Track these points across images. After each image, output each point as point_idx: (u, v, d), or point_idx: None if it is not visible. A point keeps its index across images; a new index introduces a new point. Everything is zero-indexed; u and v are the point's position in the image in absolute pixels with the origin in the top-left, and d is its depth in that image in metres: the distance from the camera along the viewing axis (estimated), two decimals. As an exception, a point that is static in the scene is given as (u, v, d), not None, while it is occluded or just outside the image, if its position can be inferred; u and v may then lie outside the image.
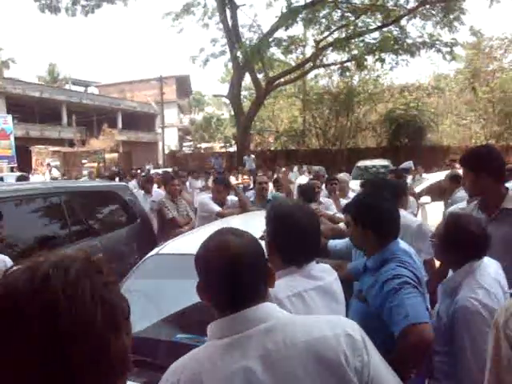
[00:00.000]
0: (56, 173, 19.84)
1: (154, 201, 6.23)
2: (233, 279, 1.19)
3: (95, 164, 23.44)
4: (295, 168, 16.46)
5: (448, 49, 19.36)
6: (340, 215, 3.93)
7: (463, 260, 2.15)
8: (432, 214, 6.79)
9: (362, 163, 16.88)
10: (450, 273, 2.33)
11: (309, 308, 1.60)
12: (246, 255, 1.22)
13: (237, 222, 4.03)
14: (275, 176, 11.58)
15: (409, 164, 15.91)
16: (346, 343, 1.15)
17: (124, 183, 7.19)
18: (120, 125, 35.82)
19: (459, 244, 2.14)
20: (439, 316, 2.19)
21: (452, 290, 2.14)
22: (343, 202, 5.42)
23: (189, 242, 3.06)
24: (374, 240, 2.09)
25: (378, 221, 2.09)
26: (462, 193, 5.16)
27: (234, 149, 27.91)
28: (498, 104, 24.87)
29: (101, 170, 20.74)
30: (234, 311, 1.18)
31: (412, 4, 19.03)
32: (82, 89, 41.42)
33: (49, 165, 21.17)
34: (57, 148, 25.20)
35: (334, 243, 2.98)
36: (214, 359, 1.14)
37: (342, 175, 7.35)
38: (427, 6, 19.05)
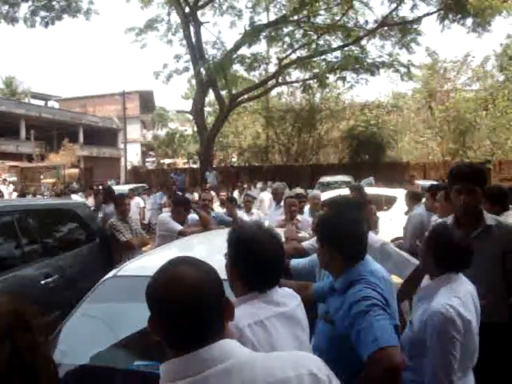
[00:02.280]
0: (11, 189, 19.12)
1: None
2: (187, 314, 1.09)
3: (53, 180, 22.76)
4: (259, 184, 16.51)
5: (405, 69, 20.07)
6: (303, 234, 3.92)
7: (444, 269, 2.22)
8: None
9: (324, 179, 17.07)
10: (424, 281, 2.39)
11: (271, 336, 1.54)
12: (202, 289, 1.12)
13: (198, 241, 3.95)
14: (236, 193, 11.56)
15: (369, 180, 16.27)
16: None
17: (83, 200, 6.94)
18: (81, 140, 35.06)
19: (445, 254, 2.20)
20: (412, 323, 2.24)
21: (428, 297, 2.20)
22: (304, 218, 5.45)
23: (148, 264, 2.96)
24: (340, 262, 2.06)
25: (344, 243, 2.05)
26: (419, 209, 5.35)
27: (197, 165, 27.77)
28: (453, 122, 25.83)
29: (58, 186, 20.16)
30: (189, 350, 1.08)
31: (371, 25, 19.69)
32: (41, 103, 40.41)
33: (5, 180, 20.39)
34: (14, 163, 24.35)
35: (297, 262, 2.95)
36: None
37: (315, 192, 7.42)
38: (385, 28, 19.73)
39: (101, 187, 16.46)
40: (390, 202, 9.48)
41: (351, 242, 2.07)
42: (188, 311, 1.09)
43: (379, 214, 5.59)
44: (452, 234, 2.25)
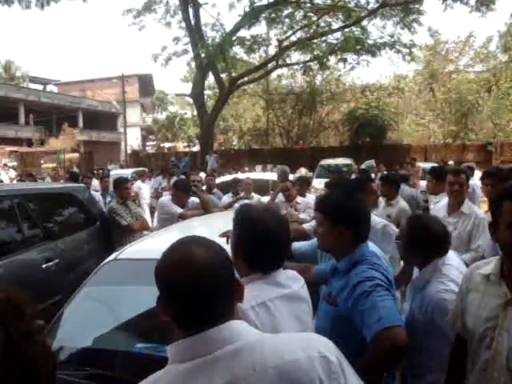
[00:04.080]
0: (13, 174, 19.08)
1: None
2: (197, 295, 1.07)
3: (54, 164, 22.72)
4: (259, 167, 16.48)
5: (407, 50, 19.83)
6: (304, 216, 3.90)
7: (428, 258, 2.26)
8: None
9: (325, 162, 17.04)
10: (415, 272, 2.42)
11: (274, 318, 1.53)
12: (212, 268, 1.09)
13: (199, 224, 3.94)
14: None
15: (371, 162, 16.22)
16: (321, 366, 1.06)
17: (82, 184, 6.92)
18: (81, 124, 34.97)
19: (423, 243, 2.26)
20: (412, 312, 2.29)
21: (422, 287, 2.25)
22: (305, 200, 5.43)
23: (148, 247, 2.96)
24: (349, 240, 2.00)
25: (355, 219, 2.02)
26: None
27: (197, 148, 27.69)
28: (454, 104, 25.70)
29: (59, 171, 20.11)
30: (199, 331, 1.07)
31: (372, 5, 19.39)
32: (40, 87, 40.17)
33: (5, 165, 20.34)
34: (14, 148, 24.28)
35: (299, 245, 2.94)
36: None
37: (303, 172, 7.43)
38: (387, 8, 19.45)
39: (101, 171, 16.46)
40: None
41: (363, 219, 2.05)
42: (198, 292, 1.07)
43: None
44: (429, 224, 2.30)
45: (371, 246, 2.16)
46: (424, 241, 2.25)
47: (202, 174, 10.43)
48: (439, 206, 4.18)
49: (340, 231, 2.00)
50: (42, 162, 23.50)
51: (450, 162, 15.47)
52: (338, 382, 1.07)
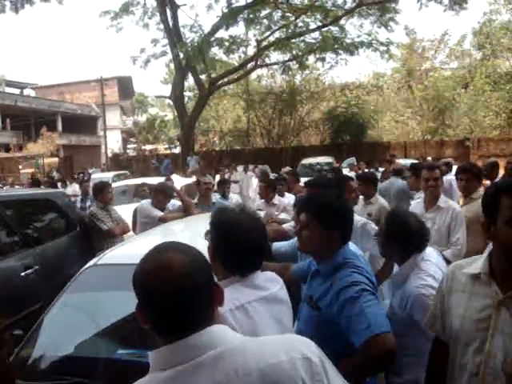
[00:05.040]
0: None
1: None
2: (176, 302, 1.06)
3: (32, 170, 22.33)
4: (240, 168, 16.47)
5: (384, 48, 20.04)
6: (284, 216, 3.92)
7: (406, 254, 2.29)
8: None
9: (306, 161, 17.12)
10: (395, 268, 2.44)
11: (253, 321, 1.53)
12: (190, 274, 1.08)
13: (180, 226, 3.92)
14: (218, 177, 11.59)
15: (351, 160, 16.36)
16: (304, 368, 1.06)
17: (61, 189, 6.82)
18: (60, 128, 34.43)
19: (401, 239, 2.28)
20: (392, 308, 2.32)
21: (401, 283, 2.28)
22: (283, 200, 5.46)
23: (128, 252, 2.93)
24: (337, 241, 1.98)
25: (344, 220, 2.01)
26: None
27: (178, 150, 27.53)
28: (432, 101, 26.03)
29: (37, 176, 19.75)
30: (179, 337, 1.06)
31: (349, 5, 19.57)
32: (17, 91, 39.47)
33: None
34: (-9, 153, 23.82)
35: (279, 245, 2.95)
36: None
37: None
38: (364, 7, 19.65)
39: (82, 175, 16.25)
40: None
41: (348, 218, 2.04)
42: (177, 298, 1.06)
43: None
44: (408, 220, 2.34)
45: (351, 245, 2.16)
46: (402, 236, 2.28)
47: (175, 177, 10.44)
48: (415, 202, 4.25)
49: (329, 232, 1.96)
50: (20, 167, 23.07)
51: (429, 158, 15.68)
52: (321, 382, 1.07)
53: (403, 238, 2.28)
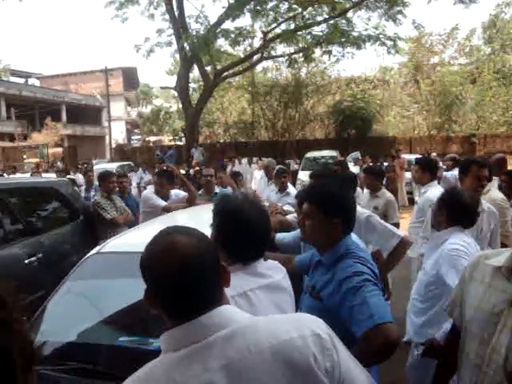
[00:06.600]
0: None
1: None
2: (184, 284, 1.08)
3: (37, 159, 22.41)
4: (244, 160, 16.46)
5: (392, 42, 19.86)
6: (288, 207, 3.90)
7: (453, 223, 2.64)
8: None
9: (310, 154, 17.08)
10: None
11: (255, 308, 1.52)
12: (197, 256, 1.11)
13: (184, 216, 3.92)
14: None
15: (356, 154, 16.30)
16: (314, 344, 1.09)
17: (65, 178, 6.84)
18: (64, 118, 34.51)
19: (456, 211, 2.65)
20: (425, 270, 2.65)
21: (439, 244, 2.61)
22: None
23: (132, 240, 2.94)
24: (339, 231, 1.97)
25: (347, 210, 2.01)
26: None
27: (183, 142, 27.51)
28: (439, 96, 25.87)
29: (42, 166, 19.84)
30: (190, 319, 1.08)
31: (357, -3, 19.39)
32: (22, 80, 39.51)
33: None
34: (-5, 142, 23.92)
35: (282, 236, 2.94)
36: (172, 375, 1.02)
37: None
38: (372, 0, 19.48)
39: (86, 165, 16.29)
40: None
41: (350, 207, 2.03)
42: (185, 280, 1.08)
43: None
44: (463, 195, 2.69)
45: (354, 237, 2.14)
46: (456, 209, 2.63)
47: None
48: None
49: (333, 222, 1.95)
50: (24, 156, 23.17)
51: (434, 154, 15.60)
52: (331, 357, 1.10)
53: (455, 209, 2.63)
